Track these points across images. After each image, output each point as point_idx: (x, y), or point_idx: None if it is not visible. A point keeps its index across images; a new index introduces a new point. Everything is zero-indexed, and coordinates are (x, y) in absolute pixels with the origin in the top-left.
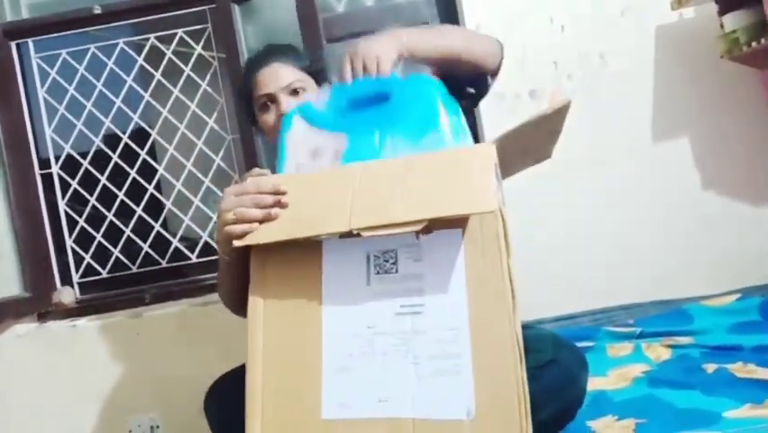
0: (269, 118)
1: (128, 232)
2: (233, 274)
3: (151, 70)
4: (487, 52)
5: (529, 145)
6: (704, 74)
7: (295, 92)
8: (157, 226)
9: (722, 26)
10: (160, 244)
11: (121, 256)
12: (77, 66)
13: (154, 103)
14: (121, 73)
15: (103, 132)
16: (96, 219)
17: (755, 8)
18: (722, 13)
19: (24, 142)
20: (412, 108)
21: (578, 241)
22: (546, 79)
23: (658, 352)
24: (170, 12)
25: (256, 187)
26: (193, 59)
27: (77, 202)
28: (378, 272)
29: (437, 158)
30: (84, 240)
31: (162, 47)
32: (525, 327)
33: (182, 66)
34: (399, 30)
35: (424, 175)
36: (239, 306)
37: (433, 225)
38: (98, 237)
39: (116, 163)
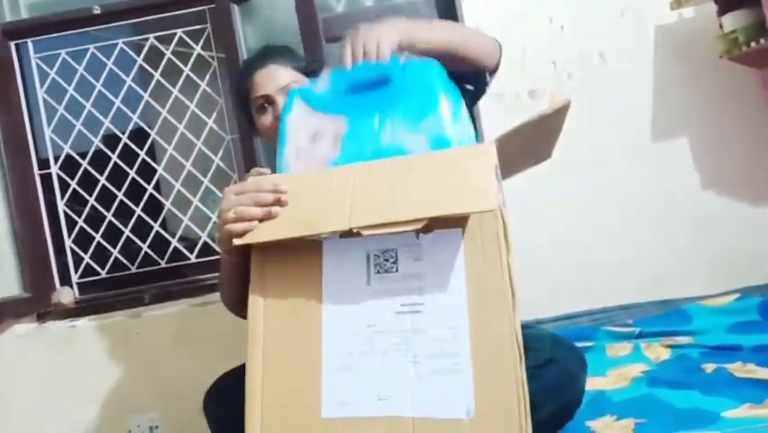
0: (266, 120)
1: (127, 232)
2: (235, 275)
3: (151, 70)
4: (486, 50)
5: (529, 145)
6: (703, 74)
7: None
8: (156, 227)
9: (721, 26)
10: (160, 245)
11: (120, 256)
12: (76, 66)
13: (153, 103)
14: (120, 73)
15: (102, 132)
16: (95, 219)
17: (755, 8)
18: (721, 13)
19: (23, 143)
20: (412, 92)
21: (578, 241)
22: (546, 79)
23: (657, 352)
24: (170, 12)
25: (256, 185)
26: (192, 60)
27: (77, 202)
28: (378, 272)
29: (437, 158)
30: (83, 240)
31: (162, 47)
32: (524, 326)
33: (181, 66)
34: (400, 19)
35: (423, 175)
36: (240, 307)
37: (433, 225)
38: (97, 237)
39: (115, 163)
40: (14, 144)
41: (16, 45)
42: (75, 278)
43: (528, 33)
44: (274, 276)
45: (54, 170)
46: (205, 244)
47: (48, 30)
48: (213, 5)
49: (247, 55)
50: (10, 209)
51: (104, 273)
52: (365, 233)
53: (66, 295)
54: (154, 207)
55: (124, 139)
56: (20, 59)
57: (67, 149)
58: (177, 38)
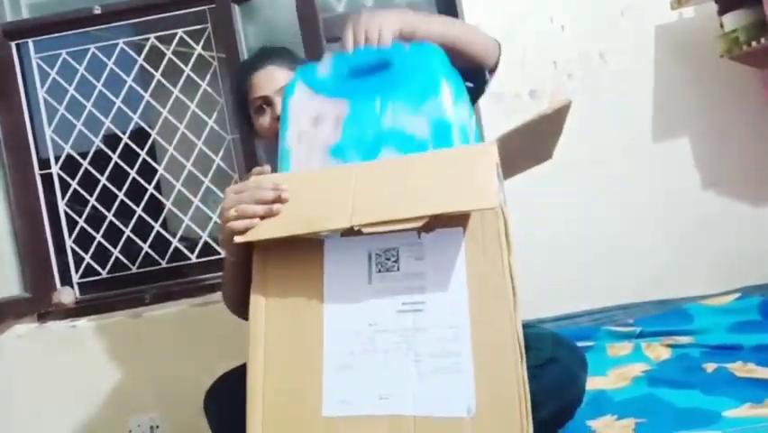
0: (264, 121)
1: (128, 232)
2: (237, 275)
3: (151, 70)
4: (485, 47)
5: (530, 145)
6: (704, 74)
7: None
8: (157, 227)
9: (722, 26)
10: (160, 245)
11: (121, 256)
12: (77, 66)
13: (154, 103)
14: (121, 73)
15: (103, 132)
16: (95, 219)
17: (755, 8)
18: (722, 12)
19: (24, 143)
20: (413, 75)
21: (578, 241)
22: (546, 79)
23: (658, 351)
24: (170, 12)
25: (256, 184)
26: (193, 60)
27: (77, 202)
28: (379, 271)
29: (438, 156)
30: (84, 240)
31: (162, 47)
32: (525, 325)
33: (182, 66)
34: (402, 9)
35: (425, 173)
36: (242, 308)
37: (434, 224)
38: (98, 237)
39: (116, 163)
40: (15, 144)
41: (17, 45)
42: (75, 278)
43: (528, 33)
44: (275, 275)
45: (55, 169)
46: (206, 243)
47: (48, 30)
48: (213, 5)
49: (247, 55)
50: (11, 209)
51: (104, 273)
52: (366, 230)
53: (66, 295)
54: (155, 207)
55: (125, 139)
56: (21, 59)
57: (67, 149)
58: (177, 38)
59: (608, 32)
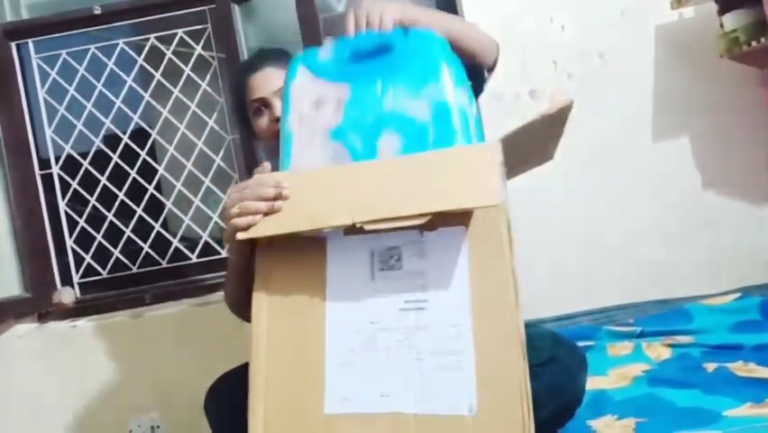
0: (263, 122)
1: (128, 232)
2: (240, 276)
3: (151, 71)
4: (483, 45)
5: (532, 146)
6: (704, 74)
7: None
8: (157, 227)
9: (722, 26)
10: (161, 245)
11: (121, 256)
12: (77, 66)
13: (154, 103)
14: (121, 73)
15: (103, 132)
16: (96, 219)
17: (755, 8)
18: (722, 12)
19: (24, 143)
20: (414, 59)
21: (578, 241)
22: (546, 79)
23: (658, 351)
24: (170, 12)
25: (258, 181)
26: (193, 60)
27: (78, 202)
28: (382, 269)
29: (442, 155)
30: (84, 240)
31: (162, 47)
32: (525, 325)
33: (182, 66)
34: (403, 0)
35: (428, 172)
36: (244, 308)
37: (437, 222)
38: (98, 237)
39: (116, 164)
40: (15, 144)
41: (17, 45)
42: (76, 278)
43: (528, 33)
44: (278, 273)
45: (55, 170)
46: (206, 244)
47: (49, 30)
48: (213, 5)
49: (247, 55)
50: (11, 209)
51: (105, 273)
52: (368, 227)
53: (67, 295)
54: (155, 207)
55: (125, 139)
56: (21, 60)
57: (68, 149)
58: (177, 38)
59: (608, 32)
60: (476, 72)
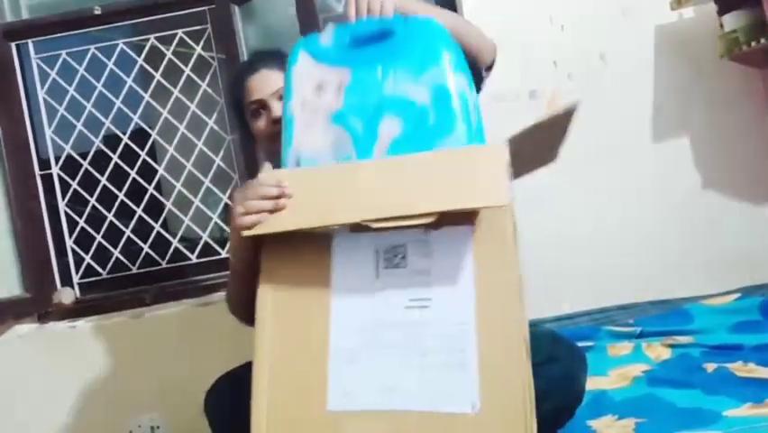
0: (260, 124)
1: (128, 232)
2: (244, 279)
3: (151, 71)
4: (480, 44)
5: (538, 147)
6: (704, 74)
7: None
8: (157, 227)
9: (722, 26)
10: (160, 245)
11: (121, 257)
12: (77, 66)
13: (154, 103)
14: (121, 74)
15: (103, 132)
16: (96, 220)
17: (755, 8)
18: (721, 12)
19: (24, 143)
20: (414, 45)
21: (578, 241)
22: (546, 79)
23: (658, 351)
24: (170, 12)
25: (259, 181)
26: (193, 60)
27: (78, 203)
28: (387, 267)
29: (449, 155)
30: (84, 241)
31: (162, 47)
32: None
33: (182, 66)
34: None
35: (435, 171)
36: (249, 314)
37: (443, 221)
38: (98, 238)
39: (116, 164)
40: (15, 145)
41: (17, 46)
42: (76, 278)
43: (528, 33)
44: (283, 270)
45: (55, 170)
46: (206, 244)
47: (48, 30)
48: (213, 6)
49: (247, 55)
50: (11, 210)
51: (105, 274)
52: (375, 225)
53: (67, 295)
54: (155, 208)
55: (125, 139)
56: (21, 60)
57: (68, 149)
58: (177, 38)
59: (608, 33)
60: (473, 72)
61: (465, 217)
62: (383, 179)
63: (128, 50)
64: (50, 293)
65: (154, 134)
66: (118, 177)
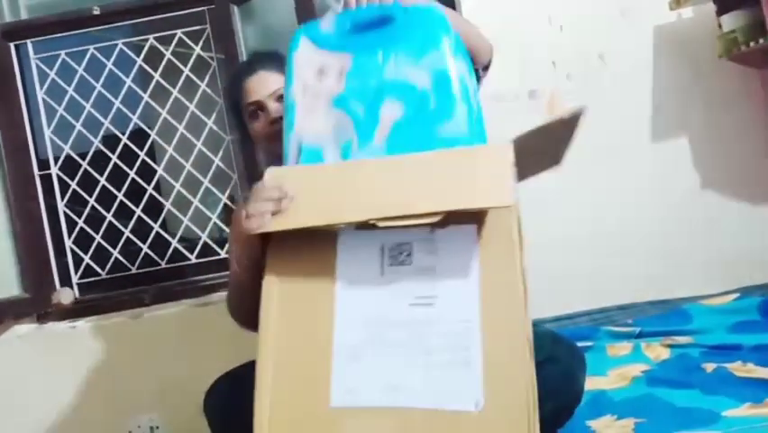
0: (258, 125)
1: (127, 233)
2: (245, 289)
3: (150, 71)
4: (480, 44)
5: (542, 149)
6: (702, 74)
7: (282, 98)
8: (156, 227)
9: (720, 26)
10: (160, 245)
11: (120, 257)
12: (76, 67)
13: (153, 104)
14: (120, 74)
15: (102, 132)
16: (95, 220)
17: (753, 8)
18: (720, 13)
19: (23, 144)
20: (415, 30)
21: (578, 241)
22: (545, 79)
23: (657, 351)
24: (169, 12)
25: (261, 184)
26: (192, 60)
27: (77, 203)
28: (392, 264)
29: (455, 154)
30: (83, 241)
31: (161, 48)
32: None
33: (181, 67)
34: None
35: (441, 170)
36: (249, 319)
37: (448, 219)
38: (98, 238)
39: (115, 164)
40: (14, 145)
41: (16, 46)
42: (75, 278)
43: (527, 33)
44: (288, 267)
45: (54, 170)
46: (205, 244)
47: (47, 31)
48: (212, 6)
49: (246, 56)
50: (10, 210)
51: (104, 274)
52: (382, 224)
53: (66, 296)
54: (154, 208)
55: (124, 140)
56: (19, 60)
57: (67, 149)
58: (176, 39)
59: (607, 33)
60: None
61: (471, 216)
62: (390, 178)
63: (127, 51)
64: (50, 293)
65: (153, 135)
66: (117, 177)
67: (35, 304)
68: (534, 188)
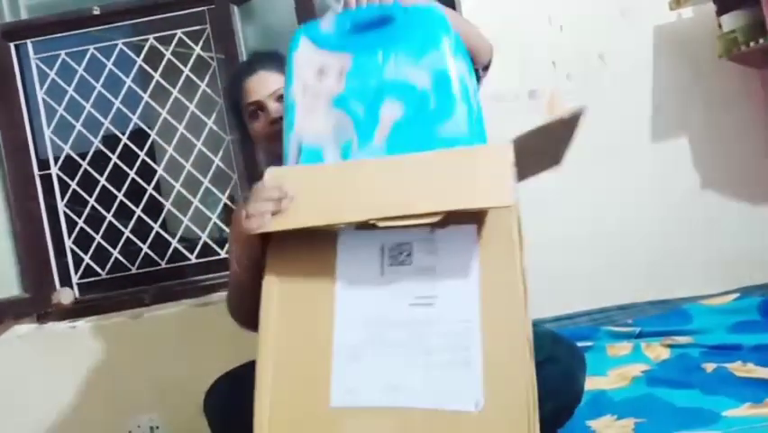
0: (258, 125)
1: (127, 233)
2: (245, 289)
3: (150, 71)
4: (480, 44)
5: (542, 150)
6: (703, 74)
7: (282, 98)
8: (156, 227)
9: (720, 26)
10: (160, 245)
11: (120, 257)
12: (76, 67)
13: (153, 104)
14: (120, 74)
15: (102, 132)
16: (95, 220)
17: (753, 8)
18: (720, 13)
19: (23, 144)
20: (415, 30)
21: (577, 241)
22: (545, 79)
23: (657, 351)
24: (169, 12)
25: (261, 184)
26: (192, 60)
27: (77, 203)
28: (392, 264)
29: (455, 154)
30: (83, 241)
31: (161, 48)
32: None
33: (181, 67)
34: None
35: (441, 170)
36: (249, 321)
37: (449, 219)
38: (98, 238)
39: (115, 164)
40: (14, 145)
41: (16, 46)
42: (75, 278)
43: (527, 33)
44: (288, 267)
45: (54, 170)
46: (205, 244)
47: (47, 31)
48: (212, 6)
49: (246, 56)
50: (10, 210)
51: (104, 274)
52: (382, 224)
53: (66, 296)
54: (154, 208)
55: (124, 140)
56: (19, 60)
57: (67, 149)
58: (176, 38)
59: (607, 33)
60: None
61: (471, 216)
62: (390, 178)
63: (127, 51)
64: (50, 293)
65: (153, 135)
66: (117, 177)
67: (35, 304)
68: (534, 188)
